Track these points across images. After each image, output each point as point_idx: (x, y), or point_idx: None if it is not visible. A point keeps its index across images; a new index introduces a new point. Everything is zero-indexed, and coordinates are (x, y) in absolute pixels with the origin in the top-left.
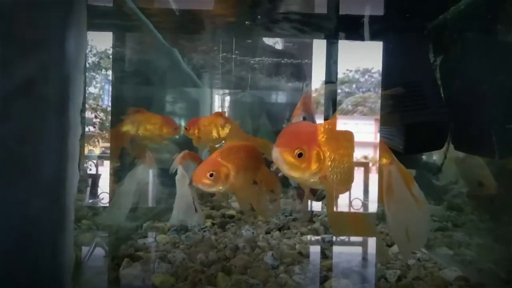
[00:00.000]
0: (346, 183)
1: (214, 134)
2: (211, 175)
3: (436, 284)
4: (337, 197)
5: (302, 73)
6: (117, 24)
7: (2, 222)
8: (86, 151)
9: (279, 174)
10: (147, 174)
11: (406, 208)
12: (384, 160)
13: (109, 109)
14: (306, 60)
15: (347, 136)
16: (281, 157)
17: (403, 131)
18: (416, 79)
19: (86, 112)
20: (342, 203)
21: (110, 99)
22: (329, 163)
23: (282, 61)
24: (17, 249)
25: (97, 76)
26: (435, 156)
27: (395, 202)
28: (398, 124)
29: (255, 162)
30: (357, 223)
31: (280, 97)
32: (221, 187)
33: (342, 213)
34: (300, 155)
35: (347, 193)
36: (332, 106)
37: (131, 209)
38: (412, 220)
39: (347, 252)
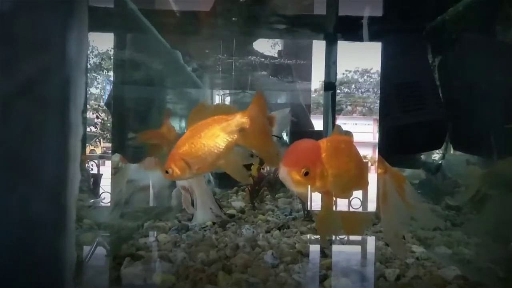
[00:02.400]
0: (346, 192)
1: None
2: (166, 172)
3: (435, 283)
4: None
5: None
6: (118, 26)
7: (4, 222)
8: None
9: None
10: (140, 175)
11: (399, 213)
12: (379, 170)
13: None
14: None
15: (347, 150)
16: (289, 176)
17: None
18: (414, 79)
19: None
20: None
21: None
22: (331, 179)
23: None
24: (19, 248)
25: (98, 76)
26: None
27: (389, 209)
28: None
29: (227, 131)
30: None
31: (281, 97)
32: (184, 177)
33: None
34: (306, 173)
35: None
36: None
37: (124, 208)
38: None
39: (347, 251)
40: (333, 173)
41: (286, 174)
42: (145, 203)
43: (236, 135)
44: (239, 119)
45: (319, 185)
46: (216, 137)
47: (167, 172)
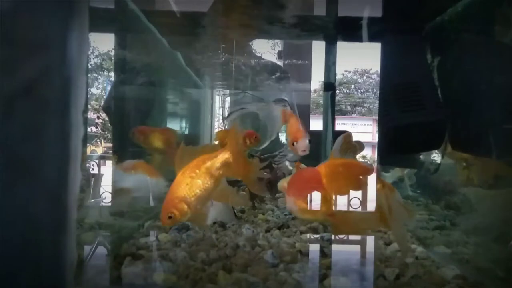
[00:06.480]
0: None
1: None
2: (169, 217)
3: (434, 282)
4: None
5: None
6: (119, 26)
7: (5, 222)
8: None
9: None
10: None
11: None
12: (378, 186)
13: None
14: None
15: (346, 172)
16: (295, 205)
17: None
18: (414, 80)
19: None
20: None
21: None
22: (333, 201)
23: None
24: (19, 248)
25: (99, 77)
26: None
27: (395, 219)
28: None
29: (214, 168)
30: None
31: (273, 98)
32: (184, 219)
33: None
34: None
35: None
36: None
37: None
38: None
39: (346, 250)
40: (334, 196)
41: (292, 203)
42: (126, 205)
43: (222, 170)
44: (223, 156)
45: (324, 208)
46: (206, 176)
47: (170, 217)
